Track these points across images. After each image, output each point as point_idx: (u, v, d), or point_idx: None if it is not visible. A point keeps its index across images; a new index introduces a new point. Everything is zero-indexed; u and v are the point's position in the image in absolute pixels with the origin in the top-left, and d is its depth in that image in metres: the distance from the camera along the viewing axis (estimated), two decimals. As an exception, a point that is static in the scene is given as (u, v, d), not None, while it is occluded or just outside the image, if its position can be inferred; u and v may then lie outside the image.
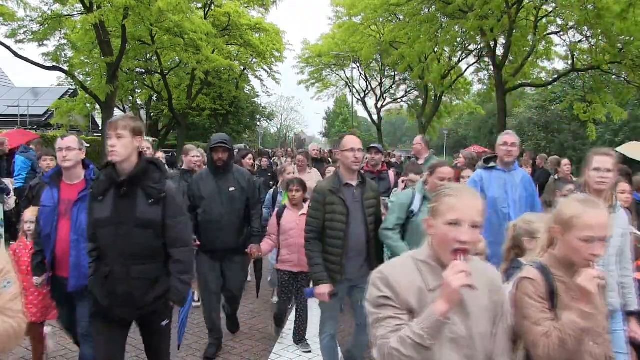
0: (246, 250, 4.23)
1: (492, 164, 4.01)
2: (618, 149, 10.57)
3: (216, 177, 4.11)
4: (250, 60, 26.36)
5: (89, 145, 7.08)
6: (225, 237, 4.07)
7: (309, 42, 32.16)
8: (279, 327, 4.69)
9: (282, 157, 14.21)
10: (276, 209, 4.60)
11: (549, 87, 23.33)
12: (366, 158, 8.77)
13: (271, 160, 11.99)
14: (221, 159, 4.05)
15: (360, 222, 3.35)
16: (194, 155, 5.66)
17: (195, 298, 5.30)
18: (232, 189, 4.10)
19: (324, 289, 3.27)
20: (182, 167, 5.77)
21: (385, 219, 3.48)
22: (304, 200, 4.39)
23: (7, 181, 7.02)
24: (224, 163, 4.08)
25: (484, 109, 30.02)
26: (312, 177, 6.05)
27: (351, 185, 3.37)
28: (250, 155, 7.38)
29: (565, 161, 8.04)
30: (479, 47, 20.99)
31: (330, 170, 5.68)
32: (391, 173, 5.78)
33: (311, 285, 3.62)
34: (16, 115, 21.35)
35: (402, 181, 4.98)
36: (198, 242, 4.02)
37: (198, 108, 26.74)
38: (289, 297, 4.43)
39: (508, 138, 3.97)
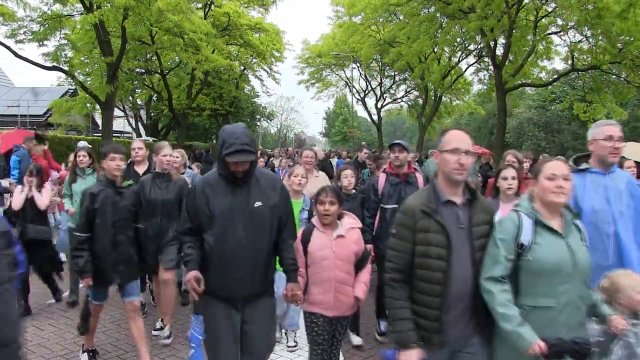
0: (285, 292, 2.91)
1: (584, 166, 3.00)
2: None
3: (233, 187, 2.79)
4: (250, 60, 26.37)
5: (90, 145, 7.06)
6: (248, 277, 2.77)
7: (309, 42, 32.24)
8: None
9: (279, 156, 14.14)
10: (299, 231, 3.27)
11: (549, 87, 23.34)
12: (364, 153, 8.52)
13: (269, 161, 11.95)
14: (242, 172, 2.74)
15: (466, 260, 2.28)
16: (166, 154, 4.61)
17: (166, 333, 4.55)
18: (258, 203, 2.78)
19: (414, 356, 2.26)
20: (155, 170, 4.72)
21: (485, 261, 2.30)
22: (339, 217, 3.22)
23: (6, 182, 7.05)
24: (246, 174, 2.79)
25: (484, 109, 30.00)
26: (320, 183, 4.68)
27: (454, 204, 2.32)
28: None
29: (629, 163, 5.59)
30: (479, 47, 21.00)
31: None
32: (419, 176, 4.60)
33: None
34: (16, 115, 21.41)
35: None
36: (202, 288, 2.70)
37: (198, 108, 26.74)
38: (324, 348, 3.16)
39: (614, 130, 2.89)
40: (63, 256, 7.01)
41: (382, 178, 4.58)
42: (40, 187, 5.43)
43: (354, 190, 4.68)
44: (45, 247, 5.31)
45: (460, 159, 2.27)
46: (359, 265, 3.20)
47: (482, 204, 2.40)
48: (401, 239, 2.34)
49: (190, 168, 6.54)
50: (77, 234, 3.86)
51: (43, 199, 5.36)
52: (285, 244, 2.91)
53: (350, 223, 3.24)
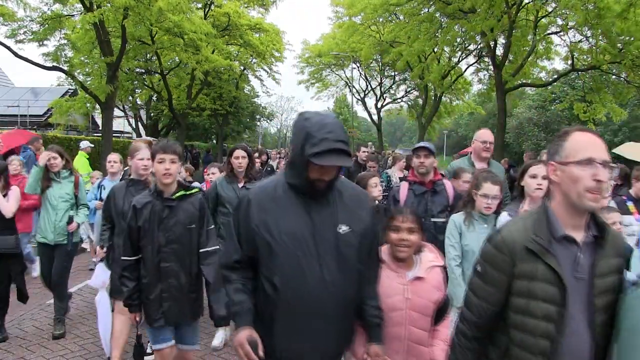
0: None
1: None
2: (616, 149, 10.55)
3: (308, 203, 1.98)
4: (250, 60, 26.40)
5: (92, 145, 7.06)
6: (334, 334, 1.98)
7: (309, 42, 32.33)
8: None
9: (276, 158, 14.14)
10: None
11: (549, 87, 23.35)
12: (362, 152, 8.01)
13: (267, 162, 11.87)
14: (326, 181, 1.95)
15: (582, 326, 1.56)
16: (143, 157, 3.69)
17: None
18: (344, 228, 1.97)
19: None
20: (130, 176, 3.87)
21: (615, 342, 1.58)
22: (417, 251, 2.33)
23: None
24: (329, 184, 1.98)
25: (484, 109, 30.02)
26: None
27: (573, 242, 1.58)
28: (238, 153, 4.39)
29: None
30: (479, 47, 21.00)
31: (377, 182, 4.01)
32: (448, 183, 3.94)
33: None
34: (16, 115, 21.41)
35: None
36: (260, 354, 1.88)
37: (198, 108, 26.77)
38: None
39: None
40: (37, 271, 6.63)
41: (404, 188, 3.90)
42: (5, 189, 4.61)
43: (376, 202, 4.10)
44: (10, 260, 4.58)
45: (598, 175, 1.50)
46: (437, 317, 2.33)
47: (614, 243, 1.62)
48: (489, 284, 1.65)
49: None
50: (122, 257, 3.00)
51: (9, 205, 4.54)
52: (371, 286, 2.09)
53: (431, 260, 2.34)
